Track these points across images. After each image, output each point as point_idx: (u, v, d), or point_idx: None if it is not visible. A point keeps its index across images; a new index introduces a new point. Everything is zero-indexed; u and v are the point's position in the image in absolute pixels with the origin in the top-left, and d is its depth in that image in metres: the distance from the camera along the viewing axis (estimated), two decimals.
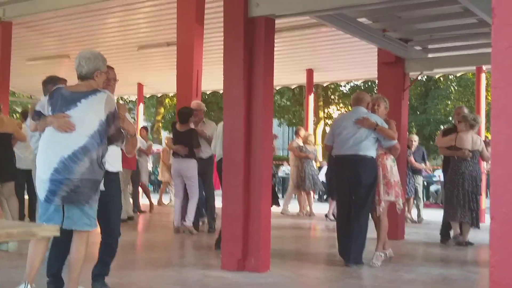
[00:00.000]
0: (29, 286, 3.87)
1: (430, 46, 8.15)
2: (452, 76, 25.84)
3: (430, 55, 8.26)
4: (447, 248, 7.42)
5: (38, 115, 4.10)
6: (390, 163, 5.96)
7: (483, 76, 13.24)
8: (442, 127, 28.11)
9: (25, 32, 11.66)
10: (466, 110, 8.19)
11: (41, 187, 3.84)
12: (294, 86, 18.16)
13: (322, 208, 12.24)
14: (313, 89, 15.56)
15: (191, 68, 8.97)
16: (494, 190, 1.68)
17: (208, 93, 18.18)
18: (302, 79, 15.08)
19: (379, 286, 4.96)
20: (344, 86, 29.10)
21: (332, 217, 10.12)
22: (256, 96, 5.45)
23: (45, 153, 3.87)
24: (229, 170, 5.54)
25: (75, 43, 12.28)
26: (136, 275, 5.44)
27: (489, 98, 20.18)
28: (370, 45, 8.26)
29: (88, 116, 3.84)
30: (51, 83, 4.83)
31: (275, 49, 5.68)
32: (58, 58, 13.49)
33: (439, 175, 18.70)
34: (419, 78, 10.64)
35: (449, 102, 27.59)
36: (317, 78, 15.03)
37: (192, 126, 8.14)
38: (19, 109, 25.59)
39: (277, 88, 18.98)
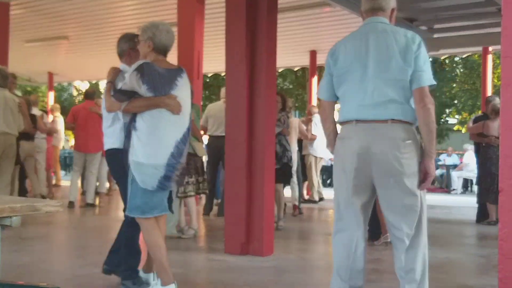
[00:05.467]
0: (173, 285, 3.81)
1: (435, 26, 8.01)
2: (458, 59, 25.60)
3: (435, 35, 8.12)
4: (456, 231, 7.41)
5: (127, 95, 3.56)
6: None
7: (489, 57, 13.08)
8: (447, 110, 27.88)
9: (23, 13, 11.52)
10: (497, 99, 8.10)
11: (152, 174, 3.54)
12: (297, 68, 17.99)
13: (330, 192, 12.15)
14: (316, 71, 15.42)
15: (192, 49, 8.83)
16: (503, 161, 1.58)
17: (209, 75, 18.03)
18: (305, 61, 14.95)
19: (383, 270, 4.90)
20: None
21: None
22: (259, 76, 5.37)
23: (158, 137, 3.56)
24: (231, 152, 5.47)
25: (74, 24, 12.14)
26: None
27: (495, 80, 19.84)
28: None
29: (187, 96, 3.77)
30: (127, 42, 3.98)
31: (277, 30, 5.58)
32: (57, 39, 13.33)
33: (444, 159, 18.60)
34: None
35: (454, 85, 27.37)
36: (320, 60, 14.87)
37: None
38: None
39: (280, 70, 18.84)
